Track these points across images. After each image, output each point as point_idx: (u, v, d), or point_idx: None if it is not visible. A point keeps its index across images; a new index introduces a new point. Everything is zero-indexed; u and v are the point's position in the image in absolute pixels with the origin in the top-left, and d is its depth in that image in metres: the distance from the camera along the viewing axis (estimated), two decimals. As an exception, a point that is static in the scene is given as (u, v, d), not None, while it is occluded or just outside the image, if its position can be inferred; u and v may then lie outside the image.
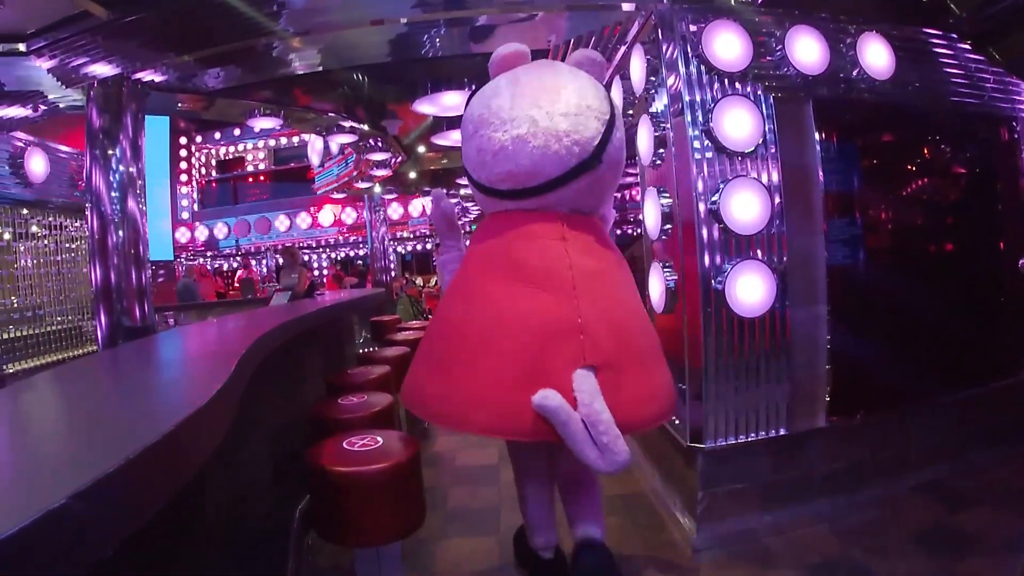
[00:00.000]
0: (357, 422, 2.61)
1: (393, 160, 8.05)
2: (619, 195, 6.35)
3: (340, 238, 17.50)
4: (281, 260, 11.41)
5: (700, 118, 2.91)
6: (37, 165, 4.75)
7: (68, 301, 5.26)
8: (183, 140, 17.83)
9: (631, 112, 3.69)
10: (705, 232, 2.90)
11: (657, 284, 3.23)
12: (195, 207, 17.98)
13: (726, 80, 2.96)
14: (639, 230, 6.46)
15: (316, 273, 16.12)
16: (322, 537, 2.08)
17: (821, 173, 3.11)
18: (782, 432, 3.03)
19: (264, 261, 18.19)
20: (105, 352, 3.62)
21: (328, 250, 18.97)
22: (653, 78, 3.19)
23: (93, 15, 3.49)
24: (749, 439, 3.00)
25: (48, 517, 0.63)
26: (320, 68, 4.43)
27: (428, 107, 5.40)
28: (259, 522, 2.52)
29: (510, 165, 2.22)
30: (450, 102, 5.25)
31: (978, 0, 3.44)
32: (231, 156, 19.08)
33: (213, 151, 18.87)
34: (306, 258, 17.26)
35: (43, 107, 4.41)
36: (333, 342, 4.75)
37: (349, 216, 16.46)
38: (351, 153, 8.44)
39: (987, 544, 2.83)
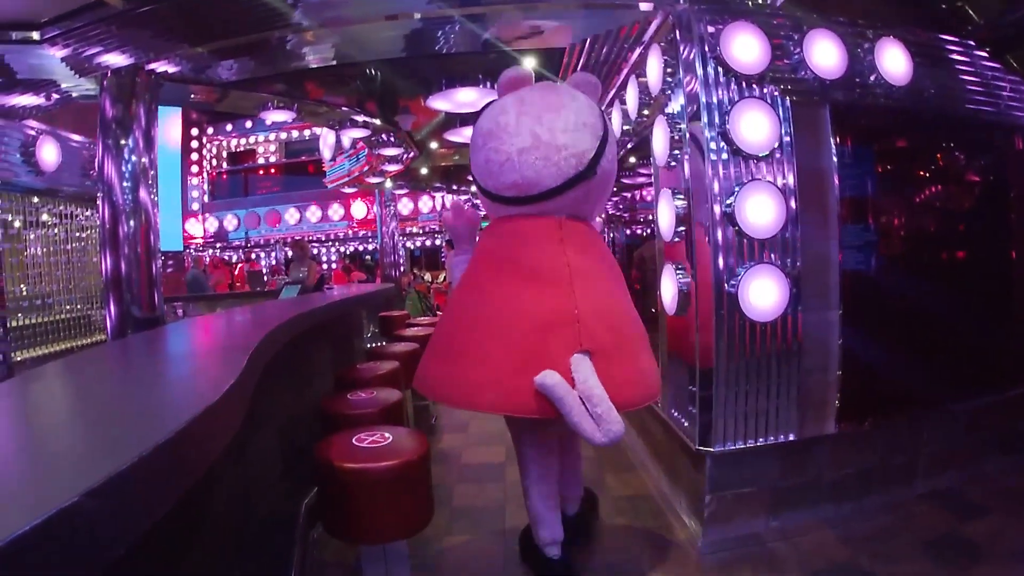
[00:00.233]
0: (366, 418, 2.61)
1: (405, 156, 8.03)
2: (629, 195, 6.34)
3: (350, 232, 17.53)
4: (290, 253, 11.43)
5: (716, 120, 2.89)
6: (49, 154, 4.76)
7: (77, 290, 5.26)
8: (194, 131, 17.90)
9: (646, 112, 3.67)
10: (720, 235, 2.88)
11: (670, 286, 3.21)
12: (205, 198, 18.03)
13: (743, 82, 2.94)
14: (648, 230, 6.43)
15: (325, 267, 16.14)
16: (329, 533, 2.08)
17: (837, 178, 3.09)
18: (791, 437, 3.01)
19: (273, 254, 18.23)
20: (115, 342, 3.62)
21: (338, 244, 18.99)
22: (670, 79, 3.17)
23: (108, 4, 3.48)
24: (758, 443, 2.99)
25: (61, 515, 0.62)
26: (334, 62, 4.42)
27: (442, 103, 5.38)
28: (266, 516, 2.52)
29: (515, 175, 2.52)
30: (464, 98, 5.23)
31: (997, 7, 3.41)
32: (242, 148, 19.13)
33: (224, 143, 18.93)
34: (315, 252, 17.29)
35: (56, 96, 4.42)
36: (342, 336, 4.75)
37: (359, 210, 16.50)
38: (363, 148, 8.43)
39: (996, 553, 2.81)
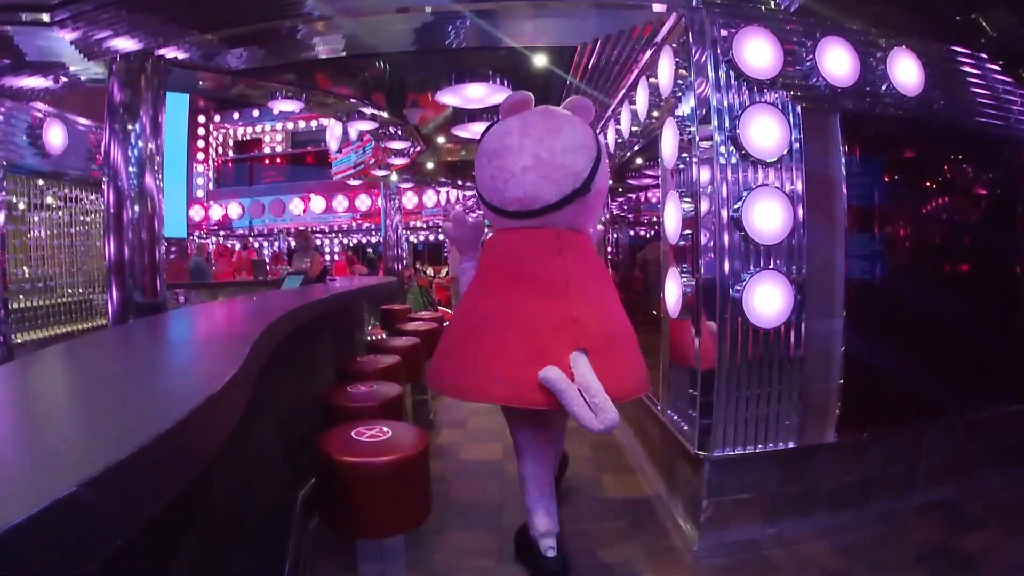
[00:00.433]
0: (366, 411, 2.60)
1: (411, 149, 8.02)
2: (634, 197, 6.31)
3: (354, 224, 17.53)
4: (294, 243, 11.42)
5: (727, 124, 2.87)
6: (55, 136, 4.75)
7: (80, 274, 5.26)
8: (201, 119, 17.89)
9: (656, 114, 3.66)
10: (726, 239, 2.87)
11: (674, 289, 3.20)
12: (210, 186, 18.03)
13: (754, 87, 2.92)
14: (652, 232, 6.41)
15: (327, 258, 16.15)
16: (326, 525, 2.07)
17: (845, 186, 3.07)
18: (791, 445, 3.01)
19: (276, 243, 18.24)
20: (116, 328, 3.62)
21: (341, 235, 19.00)
22: (681, 81, 3.15)
23: (120, -12, 3.48)
24: (757, 450, 2.98)
25: (57, 505, 0.61)
26: (344, 53, 4.42)
27: (451, 98, 5.37)
28: (263, 506, 2.52)
29: (518, 191, 2.76)
30: (473, 94, 5.21)
31: (1012, 21, 3.39)
32: (248, 137, 19.16)
33: (231, 131, 18.95)
34: (318, 242, 17.30)
35: (64, 79, 4.41)
36: (343, 328, 4.74)
37: (363, 203, 16.48)
38: (369, 140, 8.42)
39: (992, 567, 2.81)
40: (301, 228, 14.42)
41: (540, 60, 4.48)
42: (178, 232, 14.43)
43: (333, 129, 10.30)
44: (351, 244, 19.45)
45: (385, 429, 2.18)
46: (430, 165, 10.17)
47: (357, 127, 7.03)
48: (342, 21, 3.81)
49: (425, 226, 18.15)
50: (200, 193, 17.63)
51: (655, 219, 4.91)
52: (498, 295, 2.82)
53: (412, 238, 19.10)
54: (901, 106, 3.20)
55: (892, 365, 3.21)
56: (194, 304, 7.77)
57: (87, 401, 1.22)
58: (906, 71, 3.17)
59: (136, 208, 3.76)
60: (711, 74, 2.89)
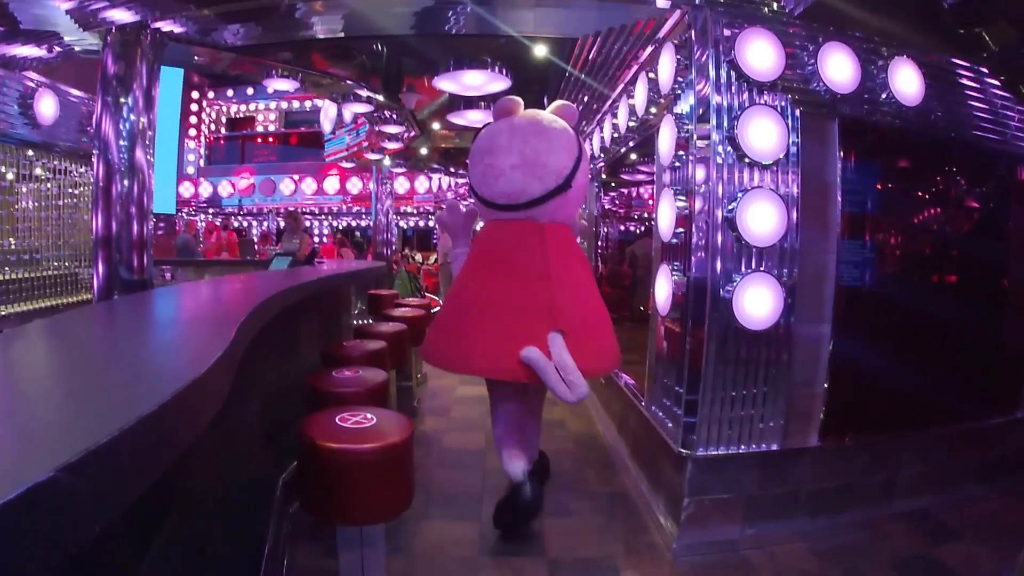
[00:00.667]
0: (351, 397, 2.58)
1: (406, 134, 7.96)
2: (626, 192, 6.33)
3: (344, 207, 17.43)
4: (283, 224, 11.35)
5: (725, 124, 2.86)
6: (47, 107, 4.68)
7: (66, 247, 5.19)
8: (195, 95, 17.70)
9: (653, 110, 3.64)
10: (719, 239, 2.87)
11: (665, 286, 3.20)
12: (201, 163, 17.86)
13: (754, 89, 2.91)
14: (642, 228, 6.42)
15: (316, 240, 16.05)
16: (306, 512, 2.05)
17: (840, 193, 3.07)
18: (774, 447, 3.02)
19: (265, 223, 18.12)
20: (101, 305, 3.57)
21: (331, 218, 18.89)
22: (681, 78, 3.14)
23: (118, -42, 3.41)
24: (740, 451, 2.99)
25: (35, 490, 0.59)
26: (342, 34, 4.37)
27: (448, 84, 5.31)
28: (243, 489, 2.50)
29: (506, 186, 3.13)
30: (471, 81, 5.16)
31: (1014, 37, 3.39)
32: (242, 115, 18.97)
33: (224, 108, 18.75)
34: (307, 224, 17.18)
35: (58, 48, 4.32)
36: (329, 312, 4.71)
37: (355, 186, 16.39)
38: (363, 123, 8.35)
39: (966, 578, 2.82)
40: (291, 209, 14.31)
41: (540, 50, 4.45)
42: (167, 208, 14.31)
43: (327, 110, 10.22)
44: (340, 227, 19.35)
45: (370, 416, 2.16)
46: (424, 151, 10.11)
47: (352, 109, 6.97)
48: (341, 1, 3.77)
49: (415, 212, 18.08)
50: (191, 170, 17.46)
51: (646, 215, 4.91)
52: (486, 279, 3.17)
53: (402, 223, 19.02)
54: (900, 115, 3.20)
55: (877, 373, 3.22)
56: (180, 282, 7.72)
57: (68, 381, 1.19)
58: (907, 81, 3.17)
59: (126, 182, 3.70)
60: (712, 73, 2.87)
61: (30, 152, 4.75)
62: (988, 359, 3.64)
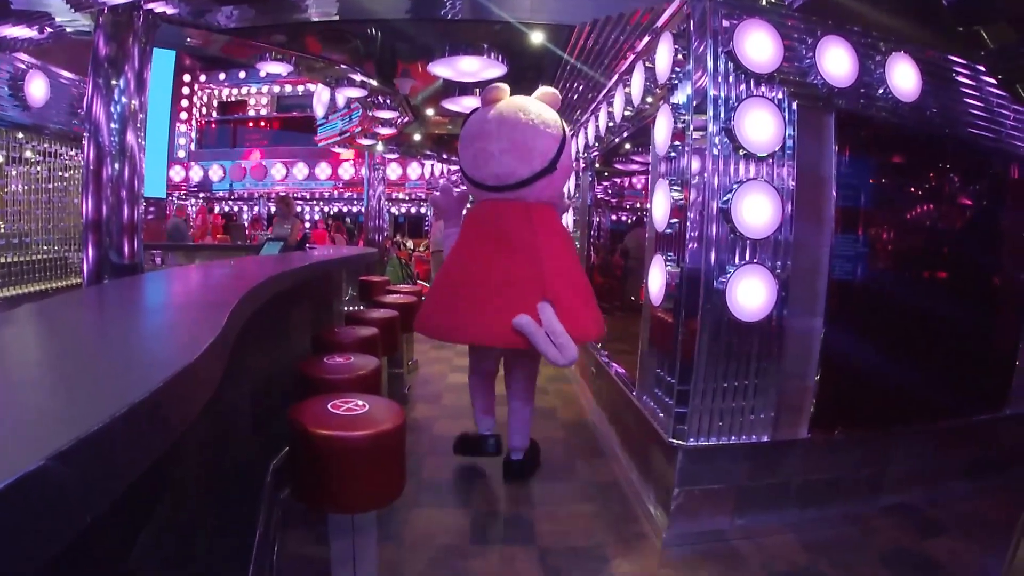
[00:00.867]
0: (343, 384, 2.56)
1: (399, 120, 7.91)
2: (618, 181, 6.31)
3: (335, 192, 17.35)
4: (274, 208, 11.27)
5: (722, 115, 2.85)
6: (37, 89, 4.62)
7: (56, 231, 5.14)
8: (187, 78, 17.53)
9: (649, 100, 3.62)
10: (713, 231, 2.86)
11: (658, 276, 3.20)
12: (192, 146, 17.72)
13: (752, 80, 2.89)
14: (633, 217, 6.41)
15: (308, 225, 15.97)
16: (298, 500, 2.04)
17: (835, 186, 3.07)
18: (764, 439, 3.03)
19: (256, 207, 18.01)
20: (90, 289, 3.54)
21: (322, 203, 18.81)
22: (678, 68, 3.12)
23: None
24: (731, 441, 3.00)
25: (25, 480, 0.57)
26: (336, 17, 4.33)
27: (444, 70, 5.27)
28: (234, 475, 2.49)
29: (496, 168, 3.38)
30: (467, 67, 5.12)
31: (1012, 36, 3.38)
32: (233, 99, 18.81)
33: (216, 91, 18.59)
34: (298, 209, 17.09)
35: (49, 29, 4.26)
36: (320, 298, 4.69)
37: (346, 171, 16.30)
38: (357, 108, 8.29)
39: (951, 572, 2.84)
40: (283, 194, 14.22)
41: (537, 37, 4.42)
42: (157, 192, 14.19)
43: (320, 95, 10.14)
44: (331, 213, 19.26)
45: (362, 403, 2.15)
46: (417, 137, 10.05)
47: (346, 94, 6.92)
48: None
49: (407, 198, 18.01)
50: (182, 154, 17.32)
51: (638, 205, 4.92)
52: (479, 254, 3.41)
53: (394, 210, 18.96)
54: (896, 111, 3.19)
55: (868, 367, 3.24)
56: (171, 266, 7.67)
57: (57, 367, 1.17)
58: (904, 76, 3.16)
59: (116, 166, 3.67)
60: (709, 64, 2.86)
61: (20, 134, 4.69)
62: (978, 356, 3.66)
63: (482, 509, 3.24)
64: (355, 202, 18.11)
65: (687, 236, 2.97)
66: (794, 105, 2.95)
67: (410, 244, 16.41)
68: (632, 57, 3.98)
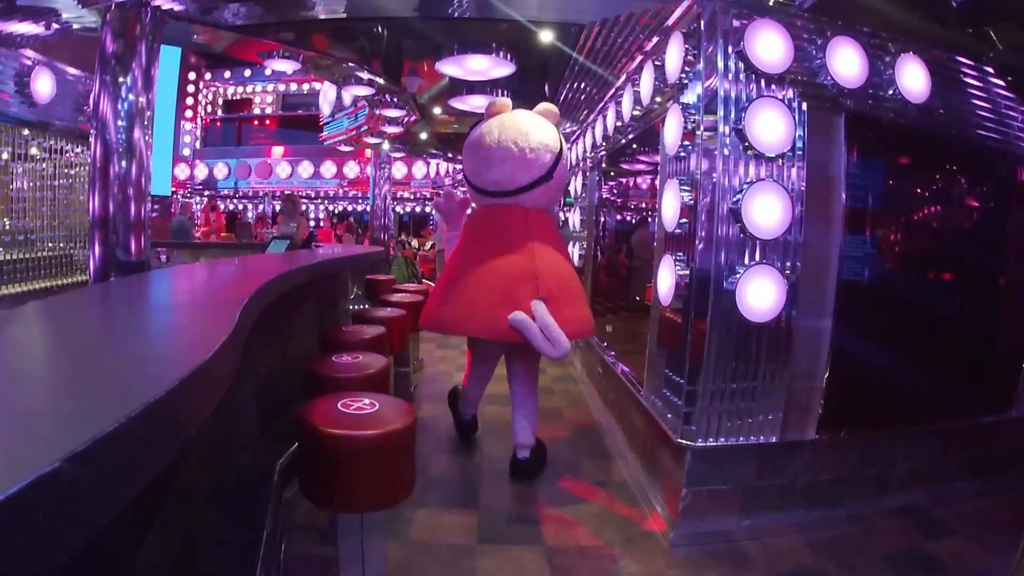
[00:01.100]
0: (351, 383, 2.56)
1: (406, 118, 7.89)
2: (624, 181, 6.30)
3: (340, 191, 17.33)
4: (280, 207, 11.28)
5: (732, 115, 2.84)
6: (43, 85, 4.61)
7: (61, 228, 5.12)
8: (192, 75, 17.53)
9: (659, 99, 3.61)
10: (723, 231, 2.85)
11: (668, 276, 3.19)
12: (197, 144, 17.72)
13: (762, 81, 2.88)
14: (638, 217, 6.38)
15: (312, 224, 15.97)
16: (308, 499, 2.03)
17: (845, 187, 3.05)
18: (772, 439, 3.02)
19: (261, 206, 18.02)
20: (97, 286, 3.53)
21: (327, 202, 18.80)
22: (688, 68, 3.10)
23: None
24: (739, 442, 2.98)
25: (39, 483, 0.56)
26: (344, 15, 4.31)
27: (452, 68, 5.25)
28: (242, 473, 2.48)
29: (497, 175, 3.66)
30: (475, 66, 5.10)
31: (1021, 38, 3.36)
32: (239, 97, 18.80)
33: (221, 89, 18.58)
34: (304, 207, 17.09)
35: (56, 26, 4.25)
36: (326, 296, 4.68)
37: (352, 170, 16.29)
38: (363, 106, 8.27)
39: (956, 574, 2.83)
40: (288, 192, 14.21)
41: (546, 36, 4.40)
42: (163, 190, 14.20)
43: (326, 93, 10.11)
44: (336, 211, 19.26)
45: (371, 402, 2.14)
46: (424, 135, 10.02)
47: (353, 92, 6.89)
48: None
49: (413, 197, 17.99)
50: (187, 152, 17.33)
51: (644, 205, 4.91)
52: (478, 255, 3.64)
53: (399, 208, 18.95)
54: (905, 112, 3.18)
55: (875, 368, 3.22)
56: (177, 264, 7.67)
57: (68, 366, 1.16)
58: (913, 77, 3.15)
59: (123, 163, 3.66)
60: (720, 64, 2.84)
61: (26, 131, 4.68)
62: (984, 358, 3.64)
63: (488, 510, 3.23)
64: (360, 201, 18.11)
65: (697, 236, 2.96)
66: (804, 105, 2.93)
67: (415, 243, 16.40)
68: (641, 57, 3.97)
